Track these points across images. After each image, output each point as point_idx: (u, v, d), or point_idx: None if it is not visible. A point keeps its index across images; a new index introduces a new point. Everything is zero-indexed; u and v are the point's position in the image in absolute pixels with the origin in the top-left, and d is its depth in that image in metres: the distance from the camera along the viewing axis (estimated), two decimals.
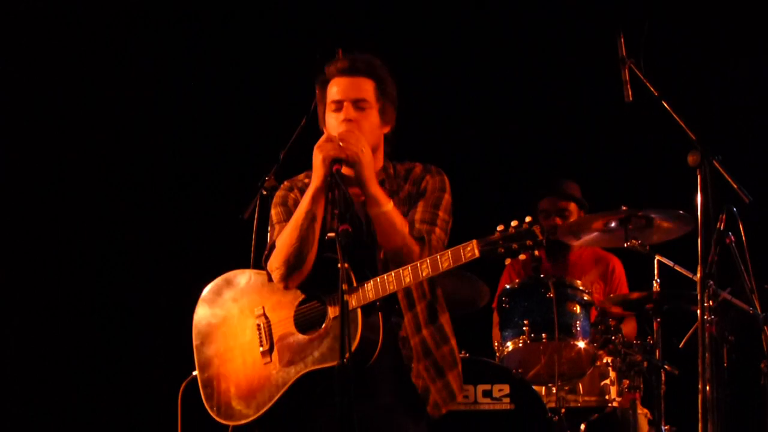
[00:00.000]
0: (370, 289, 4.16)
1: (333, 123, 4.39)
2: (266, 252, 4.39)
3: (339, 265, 3.81)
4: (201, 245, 7.83)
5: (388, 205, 4.23)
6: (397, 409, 4.34)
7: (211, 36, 8.15)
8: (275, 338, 4.36)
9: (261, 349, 4.37)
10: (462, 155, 8.10)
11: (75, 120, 8.00)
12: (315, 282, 4.31)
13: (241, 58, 8.11)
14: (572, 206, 7.36)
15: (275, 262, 4.29)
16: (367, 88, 4.41)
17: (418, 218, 4.36)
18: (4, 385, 7.82)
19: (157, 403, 6.18)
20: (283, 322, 4.36)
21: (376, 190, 4.22)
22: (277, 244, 4.30)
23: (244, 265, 5.17)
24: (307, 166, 4.29)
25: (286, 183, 4.59)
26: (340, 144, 4.19)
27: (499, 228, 4.09)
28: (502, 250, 4.06)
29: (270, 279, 4.37)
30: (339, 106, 4.40)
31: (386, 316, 4.25)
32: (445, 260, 4.10)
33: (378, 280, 4.17)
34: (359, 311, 4.17)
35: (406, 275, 4.15)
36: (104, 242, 8.10)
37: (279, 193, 4.56)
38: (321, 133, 4.42)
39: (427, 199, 4.43)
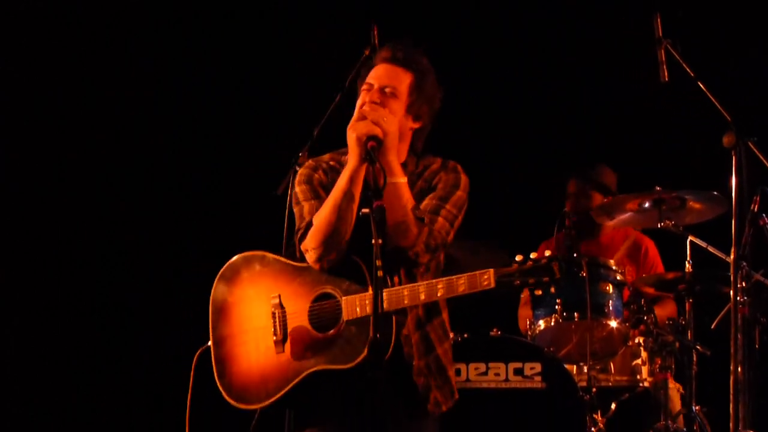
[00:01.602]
0: (384, 300, 4.14)
1: (358, 103, 4.41)
2: (301, 231, 4.36)
3: (372, 241, 3.82)
4: (235, 219, 7.87)
5: (401, 179, 4.23)
6: (398, 408, 4.32)
7: (242, 12, 8.17)
8: (289, 330, 4.34)
9: (274, 338, 4.34)
10: (498, 134, 8.13)
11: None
12: (333, 277, 4.32)
13: (272, 34, 8.12)
14: (596, 195, 7.35)
15: (312, 242, 4.27)
16: (402, 79, 4.42)
17: (421, 208, 4.34)
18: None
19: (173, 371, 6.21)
20: (298, 314, 4.34)
21: (393, 160, 4.22)
22: (315, 223, 4.28)
23: (276, 238, 5.20)
24: (341, 143, 4.31)
25: (310, 162, 4.59)
26: (370, 120, 4.20)
27: (518, 258, 4.15)
28: (518, 282, 4.15)
29: (299, 257, 4.37)
30: (369, 88, 4.42)
31: (395, 315, 4.25)
32: (462, 284, 4.17)
33: (393, 291, 4.19)
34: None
35: (421, 291, 4.20)
36: (133, 215, 8.14)
37: (303, 171, 4.54)
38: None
39: (436, 193, 4.42)
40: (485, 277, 4.14)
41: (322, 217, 4.26)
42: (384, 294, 4.14)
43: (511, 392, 6.16)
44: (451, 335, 5.72)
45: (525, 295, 7.05)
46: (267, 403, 4.35)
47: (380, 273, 3.77)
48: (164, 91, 8.13)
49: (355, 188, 4.23)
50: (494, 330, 6.38)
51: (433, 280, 4.22)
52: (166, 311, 7.86)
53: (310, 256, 4.30)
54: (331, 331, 4.28)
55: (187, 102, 8.13)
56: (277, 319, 4.36)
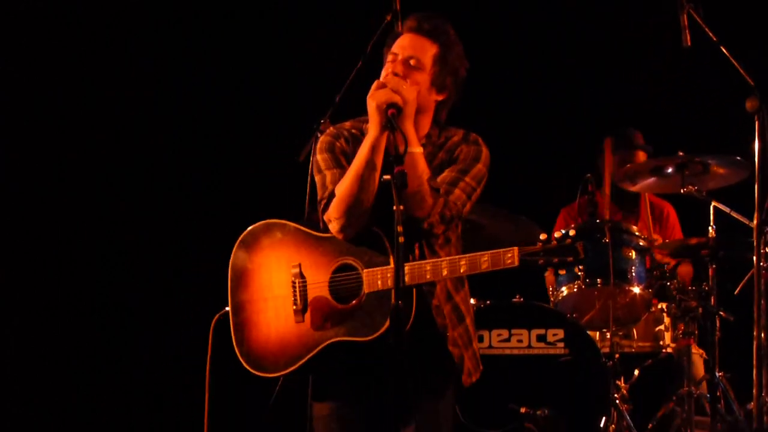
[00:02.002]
0: (406, 273, 4.09)
1: (383, 74, 4.40)
2: (324, 201, 4.35)
3: (394, 207, 3.81)
4: (256, 185, 7.87)
5: (417, 148, 4.21)
6: (436, 378, 4.34)
7: None
8: (309, 299, 4.33)
9: (294, 307, 4.34)
10: (519, 99, 8.11)
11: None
12: (355, 248, 4.30)
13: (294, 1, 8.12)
14: (641, 155, 7.34)
15: (335, 213, 4.26)
16: (427, 50, 4.40)
17: (439, 180, 4.33)
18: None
19: (190, 335, 6.25)
20: (319, 285, 4.33)
21: (411, 129, 4.20)
22: (337, 194, 4.26)
23: (298, 204, 5.20)
24: (364, 110, 4.30)
25: (332, 129, 4.56)
26: (390, 88, 4.18)
27: (542, 237, 4.13)
28: (542, 261, 4.15)
29: (322, 228, 4.36)
30: (394, 59, 4.41)
31: (418, 285, 4.23)
32: (485, 261, 4.15)
33: (415, 266, 4.18)
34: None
35: (444, 267, 4.18)
36: (149, 184, 8.15)
37: (325, 139, 4.52)
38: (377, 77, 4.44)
39: (456, 165, 4.40)
40: (509, 255, 4.12)
41: (344, 187, 4.25)
42: (406, 268, 4.10)
43: (534, 358, 6.17)
44: (473, 301, 5.71)
45: None
46: (285, 372, 4.35)
47: (401, 239, 3.77)
48: (186, 64, 8.12)
49: (377, 157, 4.21)
50: (517, 296, 6.38)
51: (456, 257, 4.21)
52: (183, 281, 7.87)
53: (334, 227, 4.29)
54: (353, 302, 4.28)
55: (208, 70, 8.13)
56: (297, 289, 4.35)
